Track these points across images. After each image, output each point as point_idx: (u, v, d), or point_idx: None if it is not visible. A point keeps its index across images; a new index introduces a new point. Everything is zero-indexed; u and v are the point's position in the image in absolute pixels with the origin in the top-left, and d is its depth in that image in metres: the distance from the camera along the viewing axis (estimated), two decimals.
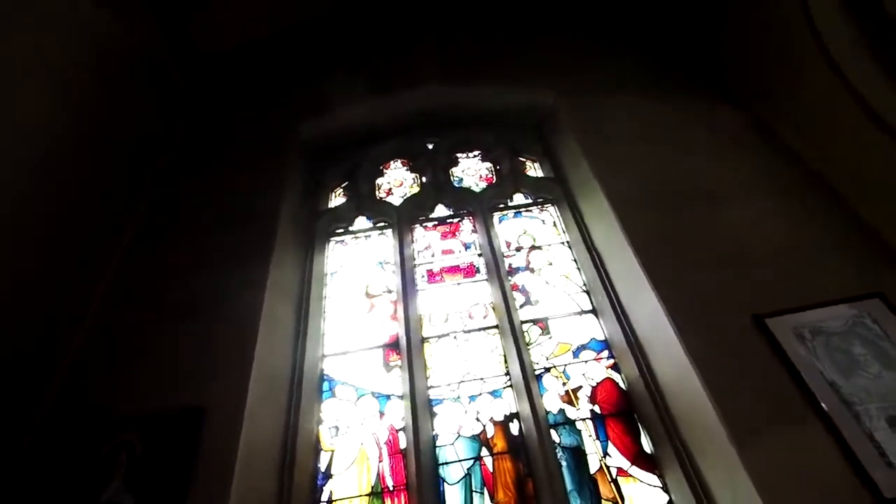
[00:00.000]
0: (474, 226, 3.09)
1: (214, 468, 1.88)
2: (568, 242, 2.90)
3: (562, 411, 2.20)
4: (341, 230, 3.17)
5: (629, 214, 2.47)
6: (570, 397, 2.25)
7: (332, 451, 2.26)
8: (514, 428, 2.20)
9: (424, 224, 3.16)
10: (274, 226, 2.70)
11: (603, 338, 2.44)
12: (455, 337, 2.57)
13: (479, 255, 2.93)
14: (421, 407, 2.29)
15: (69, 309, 2.37)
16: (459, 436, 2.21)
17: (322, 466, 2.20)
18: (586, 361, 2.36)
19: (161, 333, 2.32)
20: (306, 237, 3.02)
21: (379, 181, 3.47)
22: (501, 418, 2.23)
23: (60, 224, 2.40)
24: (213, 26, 3.45)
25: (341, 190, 3.39)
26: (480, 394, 2.34)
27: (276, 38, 3.76)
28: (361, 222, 3.20)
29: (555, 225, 3.04)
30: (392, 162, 3.58)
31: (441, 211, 3.22)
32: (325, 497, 2.11)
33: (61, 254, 2.38)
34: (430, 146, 3.59)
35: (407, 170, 3.52)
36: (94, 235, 2.57)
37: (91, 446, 1.99)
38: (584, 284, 2.67)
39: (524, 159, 3.46)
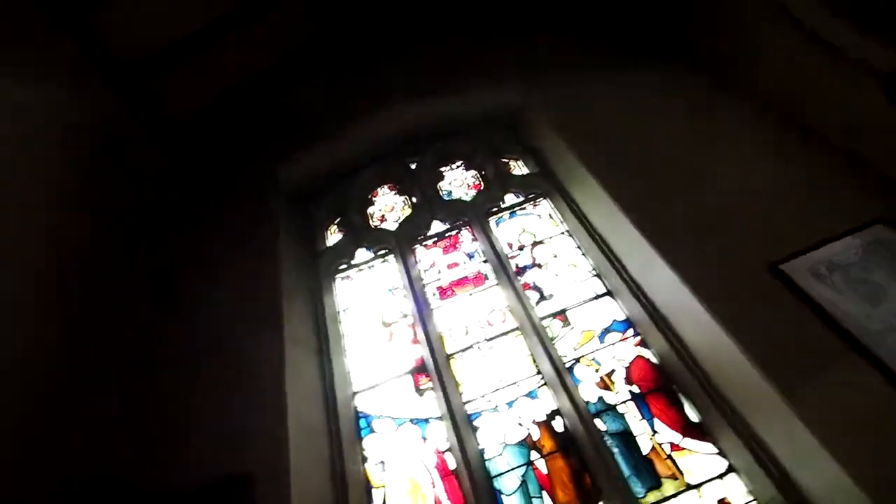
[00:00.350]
0: (473, 234, 3.07)
1: None
2: (568, 231, 2.88)
3: (601, 398, 2.17)
4: (344, 266, 3.13)
5: (622, 192, 2.47)
6: (605, 383, 2.21)
7: (384, 486, 2.20)
8: (558, 425, 2.16)
9: (424, 243, 3.14)
10: (277, 277, 2.66)
11: (624, 317, 2.41)
12: (479, 347, 2.53)
13: (485, 261, 2.91)
14: (461, 424, 2.25)
15: (93, 385, 2.31)
16: (506, 445, 2.16)
17: None
18: (613, 344, 2.33)
19: (189, 405, 2.26)
20: (311, 281, 2.98)
21: (370, 210, 3.45)
22: (543, 418, 2.19)
23: (64, 313, 2.35)
24: (179, 92, 3.43)
25: (335, 226, 3.36)
26: (517, 398, 2.30)
27: (243, 92, 3.77)
28: (362, 254, 3.17)
29: (551, 217, 3.03)
30: (379, 189, 3.57)
31: (437, 227, 3.20)
32: None
33: (74, 335, 2.34)
34: (413, 166, 3.58)
35: (395, 193, 3.51)
36: (101, 317, 2.53)
37: None
38: (594, 269, 2.65)
39: (507, 160, 3.46)
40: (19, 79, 2.44)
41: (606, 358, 2.30)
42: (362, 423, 2.41)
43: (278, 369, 2.28)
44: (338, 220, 3.38)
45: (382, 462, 2.27)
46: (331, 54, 3.94)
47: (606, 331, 2.39)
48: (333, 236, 3.31)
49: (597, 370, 2.26)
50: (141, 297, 2.69)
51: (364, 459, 2.28)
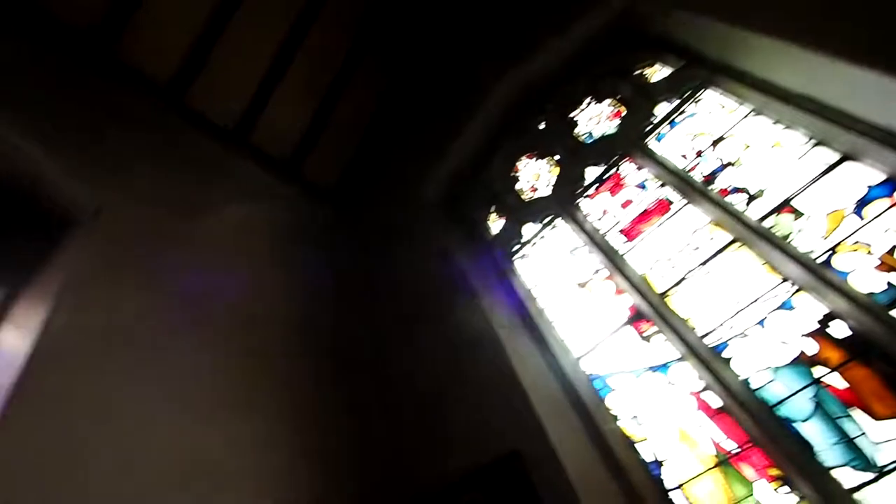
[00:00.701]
0: (636, 163, 2.78)
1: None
2: (754, 111, 2.38)
3: (890, 284, 1.71)
4: (517, 247, 3.16)
5: (807, 31, 1.93)
6: (889, 264, 1.73)
7: (646, 440, 2.13)
8: (839, 330, 1.77)
9: (585, 195, 2.97)
10: (468, 282, 2.83)
11: (883, 177, 1.86)
12: (694, 276, 2.26)
13: (661, 185, 2.60)
14: (708, 359, 2.04)
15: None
16: (775, 368, 1.87)
17: (647, 458, 2.09)
18: (880, 215, 1.82)
19: (438, 404, 2.57)
20: (494, 272, 3.08)
21: (518, 186, 3.41)
22: (814, 327, 1.83)
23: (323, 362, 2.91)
24: (322, 163, 3.96)
25: (494, 214, 3.43)
26: (766, 316, 1.98)
27: (368, 137, 4.19)
28: (529, 229, 3.15)
29: (723, 106, 2.54)
30: (517, 162, 3.51)
31: (593, 172, 2.98)
32: (671, 484, 1.98)
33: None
34: (541, 126, 3.43)
35: (535, 160, 3.41)
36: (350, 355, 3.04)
37: None
38: (811, 138, 2.12)
39: (639, 70, 3.04)
40: (236, 208, 3.15)
41: (877, 234, 1.80)
42: (597, 384, 2.38)
43: (503, 356, 2.42)
44: (492, 207, 3.44)
45: (635, 416, 2.20)
46: (421, 73, 4.07)
47: (862, 203, 1.88)
48: (496, 224, 3.37)
49: (868, 252, 1.79)
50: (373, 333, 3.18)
51: (615, 418, 2.25)
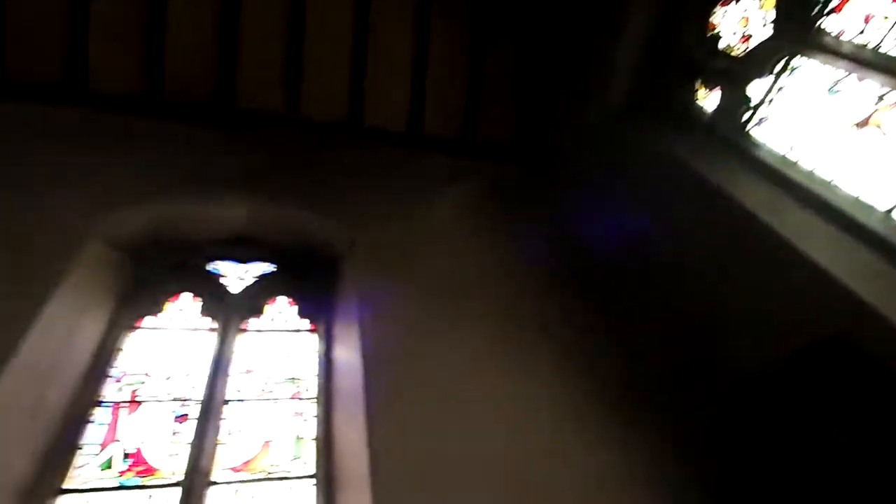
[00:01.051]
0: None
1: None
2: None
3: None
4: (748, 113, 2.86)
5: None
6: None
7: None
8: None
9: (827, 12, 2.49)
10: (702, 176, 2.75)
11: None
12: None
13: None
14: None
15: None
16: None
17: None
18: None
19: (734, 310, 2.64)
20: (730, 153, 2.87)
21: (722, 44, 3.05)
22: None
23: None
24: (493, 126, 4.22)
25: (703, 90, 3.15)
26: None
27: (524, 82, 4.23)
28: (757, 87, 2.80)
29: None
30: (711, 17, 3.12)
31: None
32: None
33: None
34: None
35: (735, 2, 2.99)
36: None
37: None
38: None
39: None
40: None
41: None
42: None
43: (777, 237, 2.33)
44: (697, 81, 3.17)
45: None
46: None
47: None
48: (708, 99, 3.10)
49: None
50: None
51: None
